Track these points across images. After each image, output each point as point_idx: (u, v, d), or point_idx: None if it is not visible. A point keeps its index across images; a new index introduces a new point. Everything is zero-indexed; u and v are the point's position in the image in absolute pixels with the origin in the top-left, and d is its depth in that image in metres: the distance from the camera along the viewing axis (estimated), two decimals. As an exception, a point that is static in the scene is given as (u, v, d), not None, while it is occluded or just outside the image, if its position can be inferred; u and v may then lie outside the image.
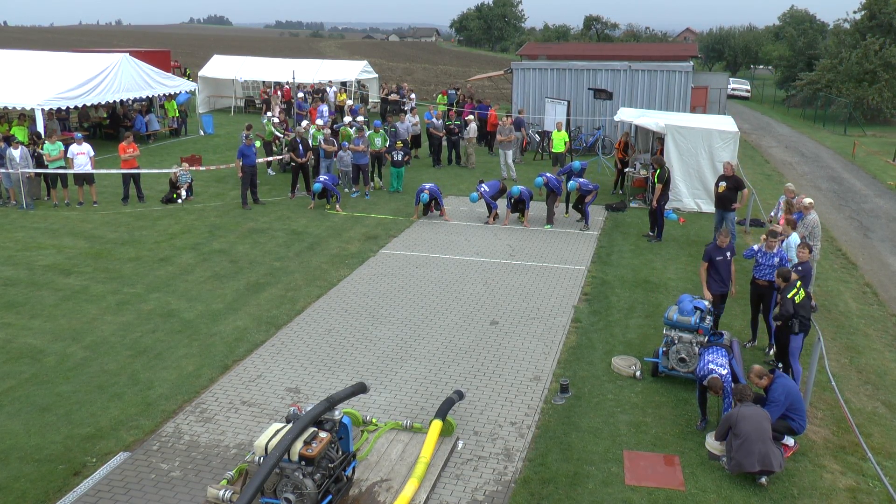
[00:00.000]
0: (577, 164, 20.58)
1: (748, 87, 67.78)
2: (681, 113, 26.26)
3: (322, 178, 20.72)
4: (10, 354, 11.94)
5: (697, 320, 10.84)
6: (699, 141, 20.09)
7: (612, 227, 19.05)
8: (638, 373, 11.13)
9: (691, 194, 20.71)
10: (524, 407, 10.27)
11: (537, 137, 28.54)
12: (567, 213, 20.02)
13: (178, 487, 8.60)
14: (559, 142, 24.14)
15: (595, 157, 27.47)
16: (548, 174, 19.56)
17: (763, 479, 8.58)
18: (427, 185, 19.76)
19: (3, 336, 12.60)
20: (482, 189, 19.50)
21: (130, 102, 30.40)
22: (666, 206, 18.50)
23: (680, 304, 11.05)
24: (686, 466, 8.96)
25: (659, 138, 21.45)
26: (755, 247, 12.29)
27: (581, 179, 19.20)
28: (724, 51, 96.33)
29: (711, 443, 9.17)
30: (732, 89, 62.41)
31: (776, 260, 11.83)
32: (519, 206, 19.40)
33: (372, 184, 23.01)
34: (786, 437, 9.18)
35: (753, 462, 8.48)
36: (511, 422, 9.89)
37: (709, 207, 19.81)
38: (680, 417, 10.04)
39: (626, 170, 22.44)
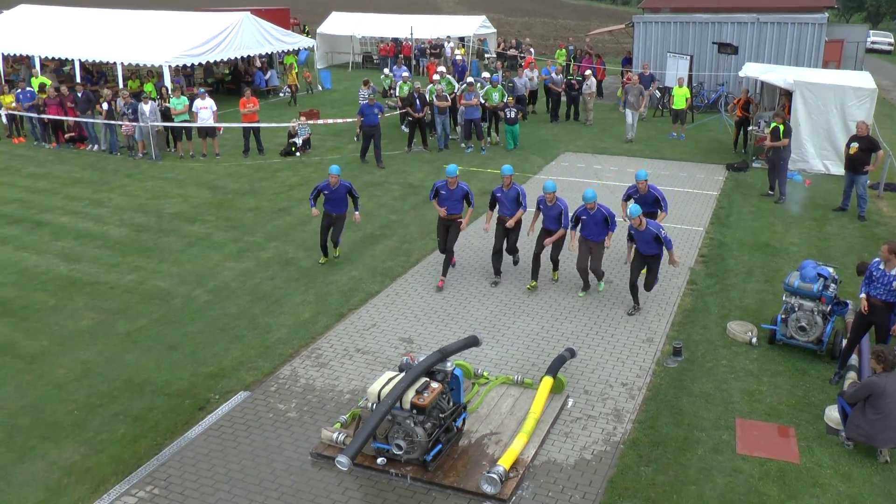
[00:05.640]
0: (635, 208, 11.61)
1: (891, 41, 63.09)
2: (812, 69, 24.85)
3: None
4: (142, 295, 12.70)
5: (820, 288, 10.33)
6: (830, 98, 18.98)
7: (733, 188, 18.36)
8: (754, 339, 10.78)
9: (819, 155, 19.66)
10: (636, 368, 10.16)
11: (657, 94, 27.69)
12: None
13: (294, 428, 8.99)
14: (680, 98, 23.33)
15: (716, 113, 26.45)
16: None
17: (885, 457, 8.21)
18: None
19: (135, 278, 13.40)
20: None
21: (251, 59, 31.28)
22: (791, 167, 17.66)
23: (802, 271, 10.55)
24: (801, 439, 8.65)
25: (785, 95, 20.41)
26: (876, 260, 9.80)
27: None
28: (864, 0, 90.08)
29: (831, 416, 8.80)
30: (872, 43, 58.19)
31: None
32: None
33: (489, 139, 22.97)
34: None
35: (889, 439, 8.08)
36: (622, 382, 9.81)
37: (837, 169, 18.76)
38: (797, 388, 9.69)
39: (750, 128, 21.50)
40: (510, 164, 13.04)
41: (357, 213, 13.70)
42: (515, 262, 13.40)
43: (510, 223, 12.57)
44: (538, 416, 8.68)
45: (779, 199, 17.27)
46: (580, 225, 12.03)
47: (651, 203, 12.67)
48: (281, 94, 31.84)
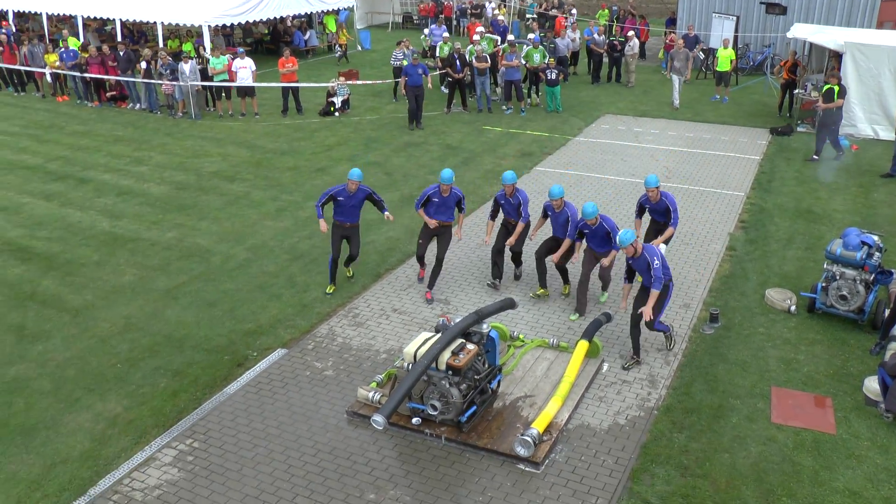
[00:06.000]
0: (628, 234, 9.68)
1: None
2: (865, 29, 24.06)
3: None
4: (182, 252, 12.90)
5: (864, 256, 10.11)
6: (884, 60, 18.38)
7: (776, 153, 17.98)
8: (793, 307, 10.63)
9: (868, 119, 19.12)
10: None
11: (701, 55, 27.08)
12: None
13: (331, 385, 9.13)
14: (725, 60, 22.78)
15: (762, 76, 25.84)
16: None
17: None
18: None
19: (176, 235, 13.61)
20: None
21: (290, 19, 31.16)
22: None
23: (845, 238, 10.31)
24: (838, 409, 8.55)
25: (835, 57, 19.83)
26: None
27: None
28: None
29: (870, 387, 8.67)
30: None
31: None
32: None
33: (529, 100, 22.73)
34: None
35: None
36: (657, 348, 9.76)
37: (887, 135, 18.25)
38: (835, 357, 9.55)
39: (796, 91, 20.98)
40: (512, 171, 11.14)
41: (387, 212, 11.46)
42: (517, 277, 11.79)
43: (510, 241, 11.16)
44: (573, 381, 8.69)
45: (822, 157, 16.99)
46: (584, 237, 10.68)
47: (662, 213, 11.03)
48: (332, 53, 31.78)
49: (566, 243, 10.70)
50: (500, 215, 11.56)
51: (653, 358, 9.55)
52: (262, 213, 14.59)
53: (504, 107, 22.21)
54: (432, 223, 11.12)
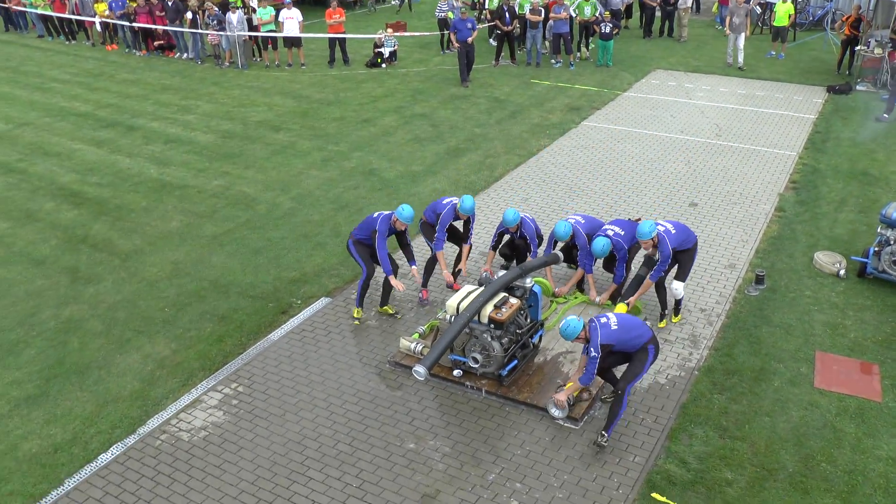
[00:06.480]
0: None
1: None
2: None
3: None
4: (228, 200, 13.05)
5: (921, 220, 9.83)
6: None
7: (832, 112, 17.44)
8: (842, 271, 10.39)
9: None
10: (715, 294, 9.97)
11: (758, 10, 26.24)
12: None
13: (373, 336, 9.23)
14: (783, 15, 22.01)
15: (821, 32, 24.99)
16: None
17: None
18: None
19: (222, 183, 13.76)
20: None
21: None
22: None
23: (902, 201, 10.04)
24: (885, 377, 8.38)
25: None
26: None
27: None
28: None
29: (920, 352, 8.52)
30: None
31: None
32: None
33: (578, 54, 22.32)
34: None
35: None
36: (701, 308, 9.66)
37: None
38: (885, 324, 9.33)
39: (858, 48, 20.24)
40: (514, 209, 9.62)
41: (414, 265, 9.62)
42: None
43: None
44: None
45: (880, 117, 16.43)
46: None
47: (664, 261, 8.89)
48: (392, 3, 31.53)
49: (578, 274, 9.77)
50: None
51: (695, 318, 9.46)
52: (307, 163, 14.66)
53: (553, 60, 21.84)
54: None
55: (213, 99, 19.14)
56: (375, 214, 9.37)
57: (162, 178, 14.14)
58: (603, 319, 7.33)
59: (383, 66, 21.96)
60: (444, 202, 9.83)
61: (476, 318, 8.03)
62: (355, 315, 9.52)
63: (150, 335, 9.37)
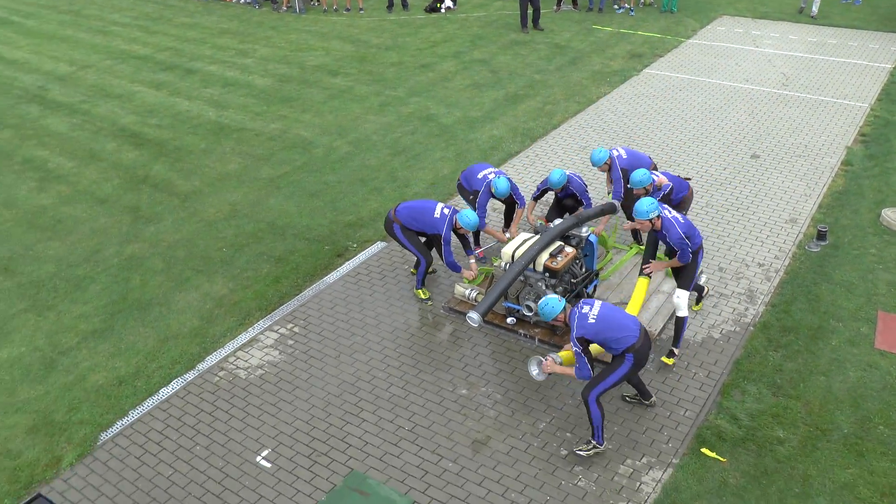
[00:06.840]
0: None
1: None
2: None
3: None
4: (284, 143, 13.13)
5: None
6: None
7: (909, 64, 16.71)
8: (913, 229, 10.04)
9: None
10: (775, 249, 9.74)
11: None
12: None
13: (428, 281, 9.25)
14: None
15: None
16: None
17: None
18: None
19: (279, 126, 13.83)
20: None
21: None
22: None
23: (981, 158, 9.57)
24: (953, 337, 8.16)
25: None
26: None
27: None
28: None
29: None
30: None
31: None
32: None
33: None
34: None
35: None
36: (759, 263, 9.46)
37: None
38: (956, 283, 9.05)
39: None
40: (561, 170, 9.25)
41: (472, 255, 9.05)
42: None
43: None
44: (643, 296, 8.00)
45: None
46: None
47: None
48: None
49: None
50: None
51: (753, 272, 9.27)
52: (364, 108, 14.63)
53: (616, 6, 21.29)
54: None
55: (271, 43, 19.15)
56: (436, 214, 8.53)
57: (220, 120, 14.27)
58: (585, 308, 6.53)
59: (443, 11, 21.66)
60: (479, 176, 9.23)
61: (531, 266, 7.99)
62: (422, 296, 8.94)
63: (208, 274, 9.56)
